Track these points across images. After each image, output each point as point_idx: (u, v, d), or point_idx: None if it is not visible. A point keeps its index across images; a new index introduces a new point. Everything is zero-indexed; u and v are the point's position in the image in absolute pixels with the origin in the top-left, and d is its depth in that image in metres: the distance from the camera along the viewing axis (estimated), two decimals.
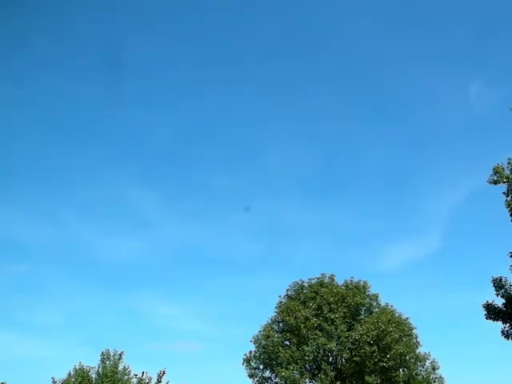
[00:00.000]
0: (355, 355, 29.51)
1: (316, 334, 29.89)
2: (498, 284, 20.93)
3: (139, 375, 26.38)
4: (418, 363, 30.53)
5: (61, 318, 68.01)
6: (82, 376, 25.88)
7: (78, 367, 26.38)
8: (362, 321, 30.93)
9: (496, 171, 20.79)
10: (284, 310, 31.73)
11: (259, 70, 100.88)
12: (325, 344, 29.62)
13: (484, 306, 21.38)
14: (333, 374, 29.58)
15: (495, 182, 20.66)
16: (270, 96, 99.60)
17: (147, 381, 26.24)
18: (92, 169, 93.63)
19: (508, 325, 20.82)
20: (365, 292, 32.11)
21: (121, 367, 26.66)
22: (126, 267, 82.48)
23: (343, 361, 30.34)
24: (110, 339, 61.33)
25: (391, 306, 31.87)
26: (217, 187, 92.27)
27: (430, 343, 47.03)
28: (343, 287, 32.17)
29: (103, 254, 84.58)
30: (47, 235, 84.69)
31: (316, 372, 30.01)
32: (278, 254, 74.50)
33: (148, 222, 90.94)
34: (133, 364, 26.76)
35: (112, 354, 26.93)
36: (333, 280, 32.84)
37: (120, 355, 26.87)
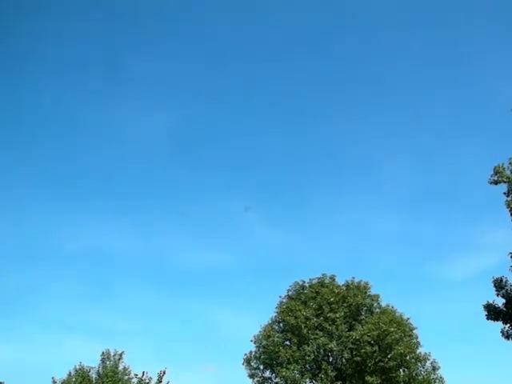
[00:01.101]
0: (356, 355, 29.48)
1: (316, 334, 29.87)
2: (499, 284, 20.91)
3: (139, 375, 26.42)
4: (419, 363, 30.50)
5: (136, 325, 67.47)
6: (83, 376, 25.90)
7: (78, 367, 26.42)
8: (363, 321, 30.92)
9: (496, 171, 20.71)
10: (284, 309, 31.72)
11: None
12: (325, 344, 29.60)
13: (484, 307, 21.35)
14: (333, 373, 29.51)
15: (496, 183, 20.60)
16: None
17: (147, 381, 26.26)
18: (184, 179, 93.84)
19: (508, 325, 20.80)
20: (366, 292, 32.08)
21: (121, 367, 26.68)
22: (208, 276, 79.88)
23: (344, 361, 30.30)
24: (177, 347, 62.22)
25: (392, 307, 31.89)
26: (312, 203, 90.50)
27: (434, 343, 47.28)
28: (344, 287, 32.15)
29: (187, 264, 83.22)
30: (139, 246, 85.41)
31: (316, 372, 29.96)
32: (357, 264, 73.93)
33: (239, 233, 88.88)
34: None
35: (112, 353, 26.95)
36: (333, 280, 32.81)
37: (120, 355, 26.89)
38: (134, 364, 27.74)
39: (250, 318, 66.20)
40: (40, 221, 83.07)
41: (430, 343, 45.07)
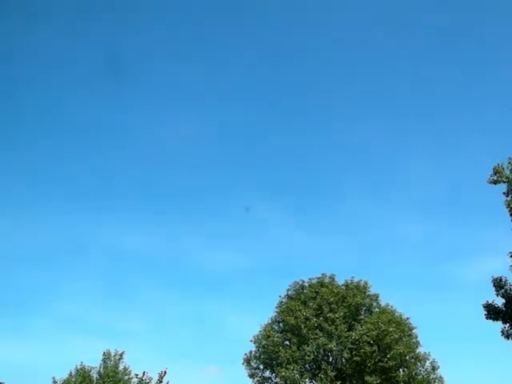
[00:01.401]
0: (355, 355, 29.53)
1: (316, 334, 29.92)
2: (498, 284, 20.96)
3: (140, 375, 26.42)
4: (418, 363, 30.58)
5: (147, 325, 67.51)
6: (83, 376, 25.91)
7: (79, 367, 26.42)
8: (362, 321, 30.97)
9: (496, 171, 20.76)
10: (284, 309, 31.77)
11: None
12: (325, 344, 29.64)
13: (484, 306, 21.40)
14: (333, 373, 29.55)
15: (495, 182, 20.66)
16: None
17: (148, 381, 26.27)
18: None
19: (508, 325, 20.86)
20: (365, 292, 32.14)
21: (121, 367, 26.68)
22: (219, 277, 78.56)
23: (343, 361, 30.36)
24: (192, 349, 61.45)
25: (391, 307, 31.96)
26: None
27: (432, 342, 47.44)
28: (343, 287, 32.18)
29: (205, 265, 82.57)
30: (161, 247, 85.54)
31: (316, 372, 30.01)
32: (373, 265, 73.86)
33: (266, 235, 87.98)
34: None
35: (113, 353, 26.94)
36: (333, 280, 32.86)
37: (121, 355, 26.89)
38: (136, 364, 27.80)
39: (256, 319, 66.15)
40: (57, 221, 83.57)
41: (434, 343, 45.62)
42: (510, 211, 20.54)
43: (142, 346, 56.45)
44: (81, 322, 62.52)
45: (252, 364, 31.49)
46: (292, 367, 29.25)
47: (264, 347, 31.12)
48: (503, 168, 20.58)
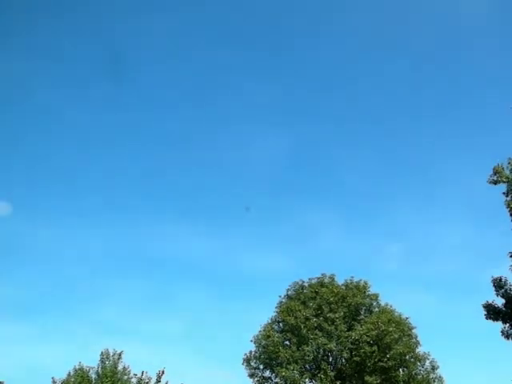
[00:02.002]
0: (355, 355, 29.52)
1: (316, 334, 29.89)
2: (498, 284, 20.90)
3: (139, 375, 26.35)
4: (418, 363, 30.55)
5: (181, 327, 66.30)
6: (82, 376, 25.77)
7: (77, 367, 26.31)
8: (362, 321, 30.94)
9: (496, 171, 20.72)
10: (284, 309, 31.74)
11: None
12: (325, 344, 29.63)
13: (484, 306, 21.35)
14: (333, 373, 29.53)
15: (495, 182, 20.61)
16: None
17: (147, 381, 26.17)
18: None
19: (508, 325, 20.81)
20: (365, 292, 32.10)
21: (120, 367, 26.56)
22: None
23: (343, 361, 30.36)
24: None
25: (391, 306, 31.93)
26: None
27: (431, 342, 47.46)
28: (343, 287, 32.15)
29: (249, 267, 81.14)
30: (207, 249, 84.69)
31: (316, 372, 29.99)
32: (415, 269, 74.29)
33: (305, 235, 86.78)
34: None
35: (111, 353, 26.82)
36: (333, 280, 32.83)
37: (119, 355, 26.72)
38: (139, 364, 27.50)
39: None
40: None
41: (434, 342, 45.56)
42: (509, 211, 20.48)
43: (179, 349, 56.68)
44: (115, 324, 62.96)
45: (252, 364, 31.48)
46: (292, 367, 29.22)
47: (264, 347, 31.06)
48: (503, 168, 20.53)
